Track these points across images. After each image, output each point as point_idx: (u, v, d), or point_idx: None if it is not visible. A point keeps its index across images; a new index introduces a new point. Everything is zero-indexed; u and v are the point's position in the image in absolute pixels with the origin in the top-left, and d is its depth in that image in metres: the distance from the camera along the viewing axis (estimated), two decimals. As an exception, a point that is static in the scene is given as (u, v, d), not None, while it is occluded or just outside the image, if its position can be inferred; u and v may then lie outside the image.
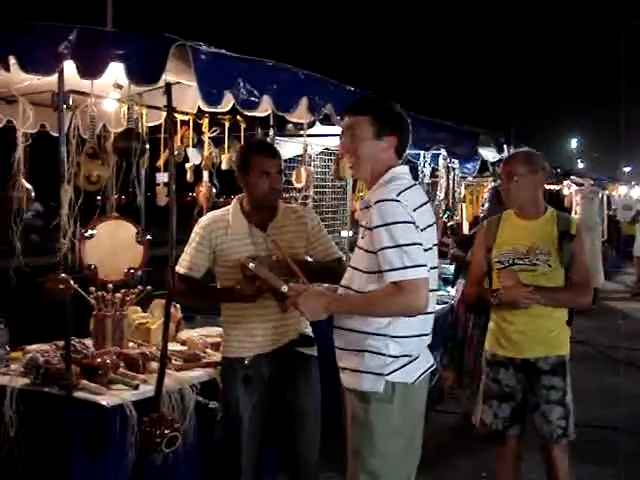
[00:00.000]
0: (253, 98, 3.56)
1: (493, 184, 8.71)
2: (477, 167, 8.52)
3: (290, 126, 5.67)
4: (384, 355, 2.81)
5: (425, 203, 2.87)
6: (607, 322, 11.33)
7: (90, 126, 3.83)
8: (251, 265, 3.15)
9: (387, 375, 2.81)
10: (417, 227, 2.74)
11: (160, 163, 4.64)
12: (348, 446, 2.95)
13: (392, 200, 2.72)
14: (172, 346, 4.05)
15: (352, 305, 2.88)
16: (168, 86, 3.40)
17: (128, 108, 3.94)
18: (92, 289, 4.09)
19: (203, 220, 3.65)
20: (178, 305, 4.52)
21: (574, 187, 13.62)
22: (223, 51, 3.47)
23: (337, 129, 5.12)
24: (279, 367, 3.53)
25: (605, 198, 15.50)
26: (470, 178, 9.26)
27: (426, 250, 2.77)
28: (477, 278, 3.97)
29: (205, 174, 4.90)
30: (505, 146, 7.57)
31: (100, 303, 4.08)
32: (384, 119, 2.92)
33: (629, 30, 34.17)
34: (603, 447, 5.70)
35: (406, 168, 3.00)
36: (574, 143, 50.55)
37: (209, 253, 3.56)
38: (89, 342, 4.09)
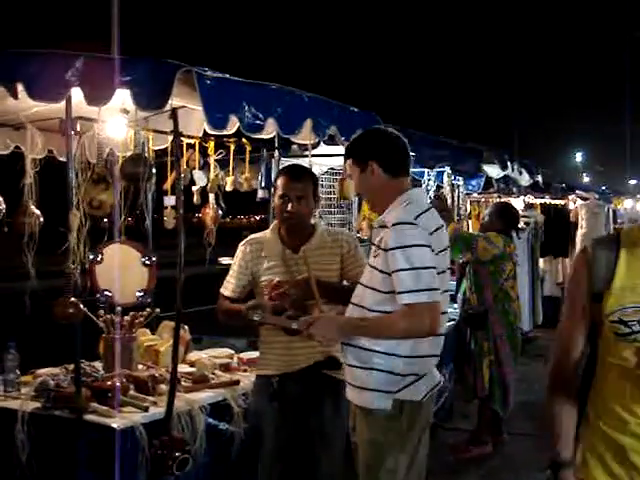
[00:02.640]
0: (258, 121, 3.61)
1: (499, 200, 8.74)
2: (482, 184, 8.56)
3: (295, 147, 5.71)
4: (393, 374, 2.84)
5: (440, 227, 2.92)
6: None
7: (97, 152, 3.87)
8: (255, 317, 3.20)
9: (396, 393, 2.85)
10: (433, 250, 2.80)
11: (167, 186, 4.68)
12: (358, 462, 2.98)
13: (410, 223, 2.78)
14: (181, 368, 4.06)
15: (364, 327, 2.90)
16: (174, 111, 3.44)
17: (135, 133, 3.98)
18: (101, 312, 4.12)
19: (243, 243, 3.72)
20: (186, 327, 4.54)
21: (579, 201, 13.59)
22: (227, 75, 3.51)
23: (341, 149, 5.16)
24: (305, 388, 3.53)
25: (611, 212, 15.45)
26: (475, 195, 9.30)
27: (439, 273, 2.82)
28: (569, 356, 2.18)
29: (211, 196, 4.93)
30: (509, 163, 7.59)
31: (109, 326, 4.11)
32: (357, 152, 3.07)
33: (634, 41, 34.12)
34: None
35: (423, 191, 3.06)
36: (579, 157, 50.43)
37: (248, 274, 3.65)
38: (99, 365, 4.12)
